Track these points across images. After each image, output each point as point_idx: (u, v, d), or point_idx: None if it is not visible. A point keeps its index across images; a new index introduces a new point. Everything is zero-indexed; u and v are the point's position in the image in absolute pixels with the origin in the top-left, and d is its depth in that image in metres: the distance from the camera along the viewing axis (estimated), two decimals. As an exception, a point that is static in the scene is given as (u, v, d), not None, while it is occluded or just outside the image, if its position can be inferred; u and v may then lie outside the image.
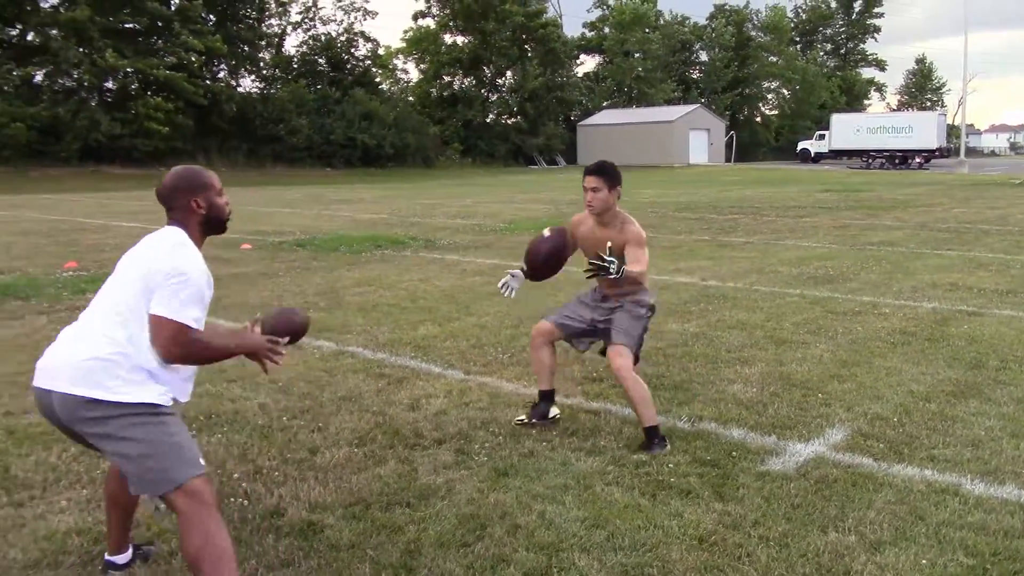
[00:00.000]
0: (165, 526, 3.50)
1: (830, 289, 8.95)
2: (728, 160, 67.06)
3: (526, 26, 65.48)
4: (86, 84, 44.51)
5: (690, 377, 5.63)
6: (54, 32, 43.28)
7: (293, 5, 57.47)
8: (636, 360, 4.52)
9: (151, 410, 2.74)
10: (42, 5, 45.13)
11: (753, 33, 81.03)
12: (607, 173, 4.43)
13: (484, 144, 63.78)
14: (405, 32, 68.73)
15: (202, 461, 2.81)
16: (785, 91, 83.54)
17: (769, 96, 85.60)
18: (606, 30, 77.05)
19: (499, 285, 4.81)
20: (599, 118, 69.22)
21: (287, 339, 3.20)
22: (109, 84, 45.50)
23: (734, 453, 4.24)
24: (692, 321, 7.38)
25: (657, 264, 10.89)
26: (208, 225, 3.03)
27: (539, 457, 4.23)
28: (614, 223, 4.48)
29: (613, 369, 4.40)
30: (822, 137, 61.37)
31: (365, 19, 78.16)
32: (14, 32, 45.95)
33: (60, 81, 44.73)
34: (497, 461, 4.17)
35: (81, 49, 42.92)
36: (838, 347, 6.42)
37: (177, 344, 2.74)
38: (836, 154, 58.64)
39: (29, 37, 45.53)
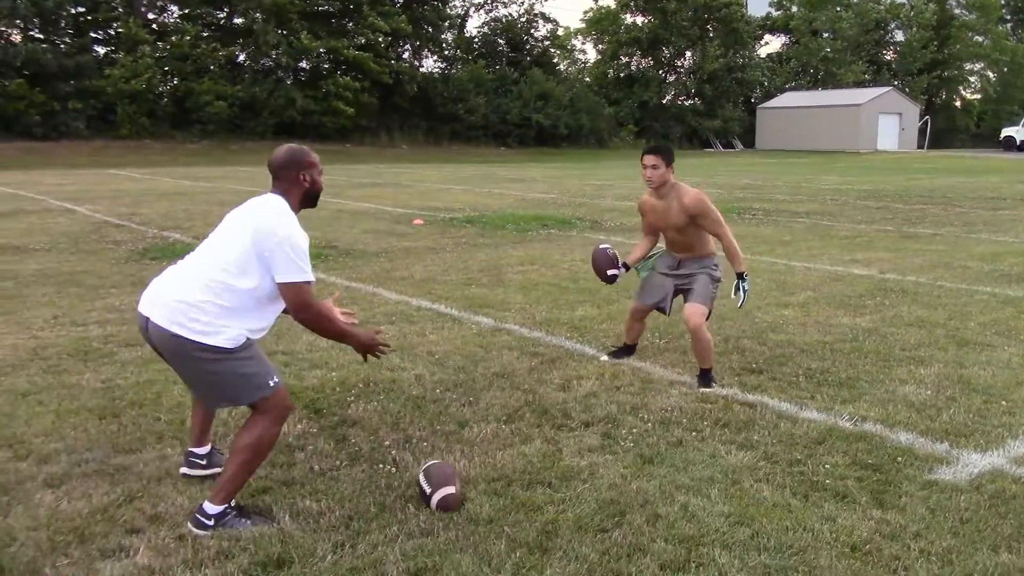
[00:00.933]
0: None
1: (1026, 289, 8.22)
2: (921, 147, 62.93)
3: (708, 5, 63.77)
4: (283, 64, 47.13)
5: (857, 374, 5.32)
6: (257, 15, 46.05)
7: (477, -14, 58.55)
8: (708, 315, 5.19)
9: (225, 353, 3.17)
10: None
11: (957, 11, 75.21)
12: (663, 152, 5.13)
13: (659, 126, 62.79)
14: (585, 12, 68.70)
15: (271, 381, 3.26)
16: (991, 73, 77.28)
17: (972, 79, 79.50)
18: (794, 8, 73.87)
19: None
20: (781, 100, 66.57)
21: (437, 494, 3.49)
22: (303, 64, 47.99)
23: (899, 458, 3.96)
24: (865, 315, 6.97)
25: (831, 254, 10.37)
26: (308, 197, 3.45)
27: (687, 447, 4.11)
28: (670, 195, 5.17)
29: (690, 325, 5.01)
30: (1030, 124, 56.41)
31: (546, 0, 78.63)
32: (221, 15, 49.24)
33: (260, 61, 47.60)
34: (643, 448, 4.09)
35: (280, 31, 45.47)
36: (1030, 352, 5.88)
37: (305, 305, 3.23)
38: (1046, 143, 53.78)
39: (235, 20, 48.69)
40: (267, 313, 3.34)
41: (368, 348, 3.52)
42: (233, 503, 3.29)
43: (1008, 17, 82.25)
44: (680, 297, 5.35)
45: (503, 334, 6.32)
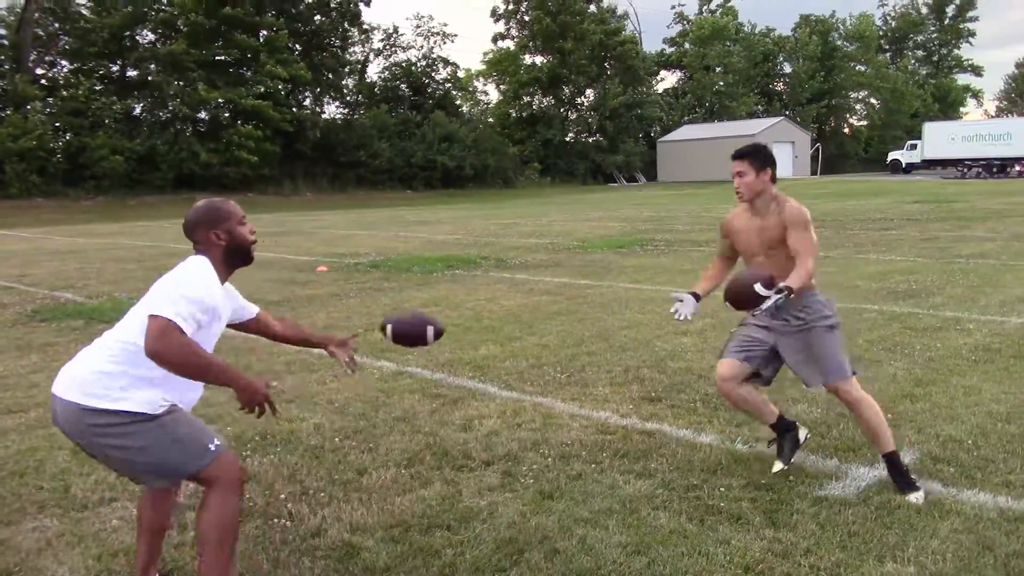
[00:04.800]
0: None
1: (911, 304, 8.58)
2: (814, 173, 65.49)
3: (605, 44, 65.55)
4: (181, 115, 46.31)
5: (752, 397, 5.43)
6: (152, 66, 45.23)
7: (375, 32, 58.86)
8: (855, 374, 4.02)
9: (143, 419, 2.82)
10: (140, 41, 47.33)
11: (840, 43, 79.03)
12: (751, 155, 4.07)
13: (563, 163, 63.90)
14: (485, 54, 69.62)
15: (211, 446, 2.89)
16: (874, 101, 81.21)
17: (857, 106, 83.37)
18: (686, 45, 76.41)
19: (671, 311, 4.15)
20: (679, 134, 68.53)
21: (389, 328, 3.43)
22: (202, 115, 47.24)
23: (791, 477, 4.05)
24: (761, 339, 7.15)
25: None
26: (232, 254, 3.07)
27: (587, 480, 4.12)
28: (768, 208, 4.06)
29: (850, 401, 3.95)
30: (914, 147, 59.25)
31: (444, 43, 79.65)
32: (115, 68, 48.21)
33: (158, 113, 46.67)
34: (543, 483, 4.09)
35: (178, 82, 44.73)
36: (914, 365, 6.13)
37: (160, 339, 2.69)
38: (929, 164, 56.55)
39: (129, 73, 47.73)
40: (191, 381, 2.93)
41: (253, 398, 2.87)
42: None
43: (887, 47, 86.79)
44: (791, 360, 4.09)
45: (405, 377, 6.26)
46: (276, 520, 3.78)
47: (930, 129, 57.60)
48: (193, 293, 2.84)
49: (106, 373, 2.83)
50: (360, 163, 51.52)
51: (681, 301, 4.09)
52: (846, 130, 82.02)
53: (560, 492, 3.98)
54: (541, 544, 3.43)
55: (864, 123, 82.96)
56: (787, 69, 79.36)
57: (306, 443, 4.83)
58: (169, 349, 2.71)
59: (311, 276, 12.79)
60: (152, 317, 2.74)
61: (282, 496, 4.06)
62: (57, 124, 42.44)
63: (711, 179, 59.51)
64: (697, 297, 4.14)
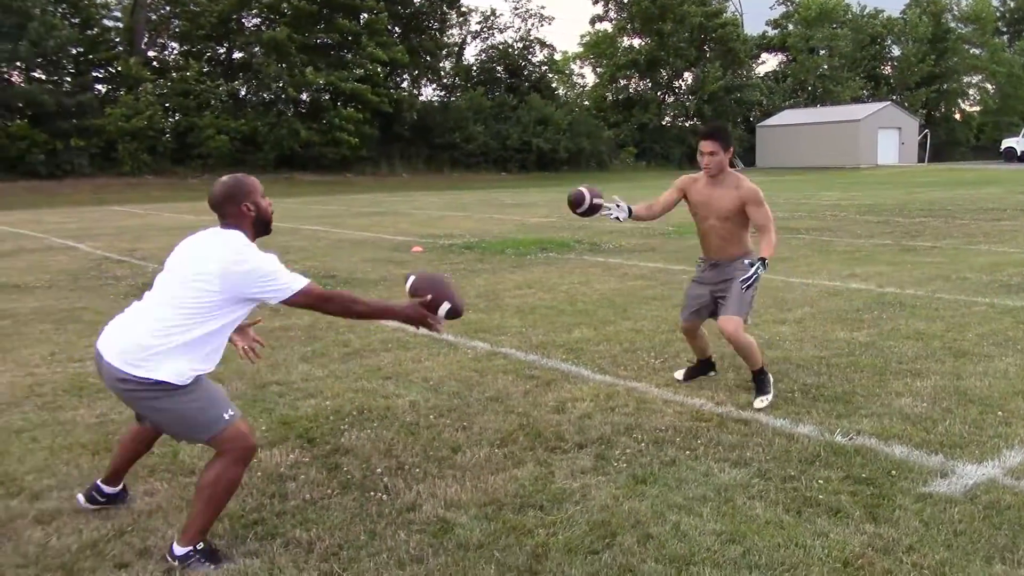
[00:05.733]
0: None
1: (1025, 298, 8.20)
2: (921, 160, 62.99)
3: (705, 26, 64.29)
4: (284, 97, 47.54)
5: (853, 388, 5.29)
6: (257, 50, 46.52)
7: (473, 15, 59.14)
8: (745, 320, 5.07)
9: (171, 388, 3.14)
10: (246, 24, 48.73)
11: (953, 24, 75.54)
12: (721, 136, 4.95)
13: (659, 147, 63.12)
14: (582, 37, 69.19)
15: (225, 415, 3.21)
16: (989, 86, 77.47)
17: (970, 91, 79.67)
18: (790, 27, 74.31)
19: (605, 211, 5.19)
20: (780, 118, 66.81)
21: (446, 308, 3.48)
22: (304, 96, 48.39)
23: (894, 472, 3.93)
24: (863, 330, 6.95)
25: (831, 269, 10.36)
26: (258, 225, 3.35)
27: (680, 466, 4.09)
28: (728, 182, 5.02)
29: (726, 335, 4.99)
30: (1031, 134, 56.42)
31: (542, 25, 79.46)
32: (221, 50, 49.79)
33: (262, 95, 48.02)
34: (636, 468, 4.07)
35: (281, 65, 45.90)
36: (1027, 361, 5.85)
37: (317, 297, 3.23)
38: (1046, 152, 53.75)
39: (235, 55, 49.22)
40: (216, 348, 3.28)
41: (422, 319, 3.39)
42: (202, 545, 3.23)
43: (1004, 29, 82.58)
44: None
45: (499, 358, 6.31)
46: (373, 493, 3.87)
47: (1049, 115, 54.66)
48: (273, 267, 3.17)
49: (143, 345, 3.12)
50: (455, 145, 51.98)
51: (619, 207, 5.18)
52: (957, 116, 78.52)
53: (653, 477, 3.95)
54: (634, 528, 3.42)
55: (977, 109, 79.26)
56: (895, 52, 76.34)
57: (402, 419, 4.93)
58: (330, 302, 3.32)
59: (407, 256, 13.00)
60: (290, 301, 3.18)
61: (378, 470, 4.15)
62: (167, 105, 44.11)
63: (812, 165, 57.93)
64: (630, 212, 5.24)
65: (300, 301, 3.21)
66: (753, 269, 4.74)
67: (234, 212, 3.28)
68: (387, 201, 30.10)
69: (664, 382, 5.59)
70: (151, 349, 3.11)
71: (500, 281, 10.11)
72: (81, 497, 3.77)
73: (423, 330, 3.47)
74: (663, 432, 4.57)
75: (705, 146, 4.93)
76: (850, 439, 4.39)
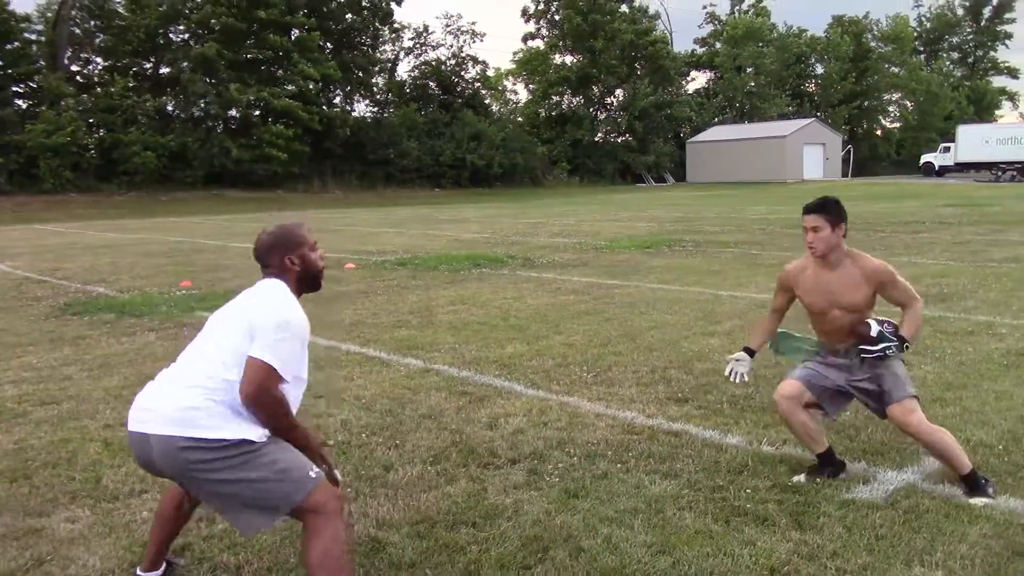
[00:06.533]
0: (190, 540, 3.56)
1: (943, 308, 8.48)
2: (845, 175, 64.84)
3: (635, 44, 65.32)
4: (212, 113, 46.79)
5: (780, 399, 5.40)
6: (185, 65, 45.71)
7: (406, 31, 59.08)
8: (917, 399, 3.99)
9: (250, 447, 2.76)
10: (174, 39, 47.90)
11: (873, 44, 78.10)
12: (828, 210, 3.94)
13: (592, 162, 63.82)
14: (515, 53, 69.71)
15: (312, 473, 2.83)
16: (908, 103, 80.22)
17: (890, 108, 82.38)
18: (717, 45, 75.95)
19: (726, 373, 4.28)
20: (709, 134, 68.15)
21: None
22: (233, 113, 47.69)
23: (818, 480, 4.03)
24: (789, 341, 7.10)
25: (758, 282, 10.58)
26: (304, 281, 3.09)
27: (612, 479, 4.12)
28: (843, 263, 4.00)
29: (911, 430, 3.87)
30: (947, 150, 58.53)
31: (474, 41, 79.78)
32: (148, 65, 48.81)
33: (190, 111, 47.17)
34: (568, 482, 4.09)
35: (209, 80, 45.18)
36: (944, 369, 6.06)
37: (261, 387, 2.74)
38: (962, 167, 55.84)
39: (162, 71, 48.29)
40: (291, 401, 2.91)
41: (322, 462, 2.94)
42: None
43: (921, 49, 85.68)
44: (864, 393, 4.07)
45: (432, 375, 6.29)
46: (303, 514, 3.81)
47: (964, 132, 56.90)
48: (299, 339, 2.89)
49: (204, 409, 2.74)
50: (389, 161, 51.80)
51: (737, 360, 4.20)
52: (878, 132, 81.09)
53: (585, 491, 3.98)
54: (566, 542, 3.44)
55: (897, 125, 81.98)
56: (819, 70, 78.59)
57: (333, 438, 4.87)
58: (264, 399, 2.76)
59: (339, 273, 12.87)
60: (252, 361, 2.76)
61: (309, 490, 4.09)
62: (91, 120, 43.02)
63: (741, 180, 59.14)
64: (751, 352, 4.24)
65: (251, 374, 2.75)
66: (882, 348, 3.86)
67: (278, 264, 3.04)
68: (320, 218, 29.80)
69: (596, 396, 5.64)
70: (212, 412, 2.74)
71: (433, 297, 10.08)
72: None
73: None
74: (595, 446, 4.61)
75: (807, 221, 3.97)
76: (777, 448, 4.49)
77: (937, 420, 4.84)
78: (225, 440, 2.71)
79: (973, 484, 3.81)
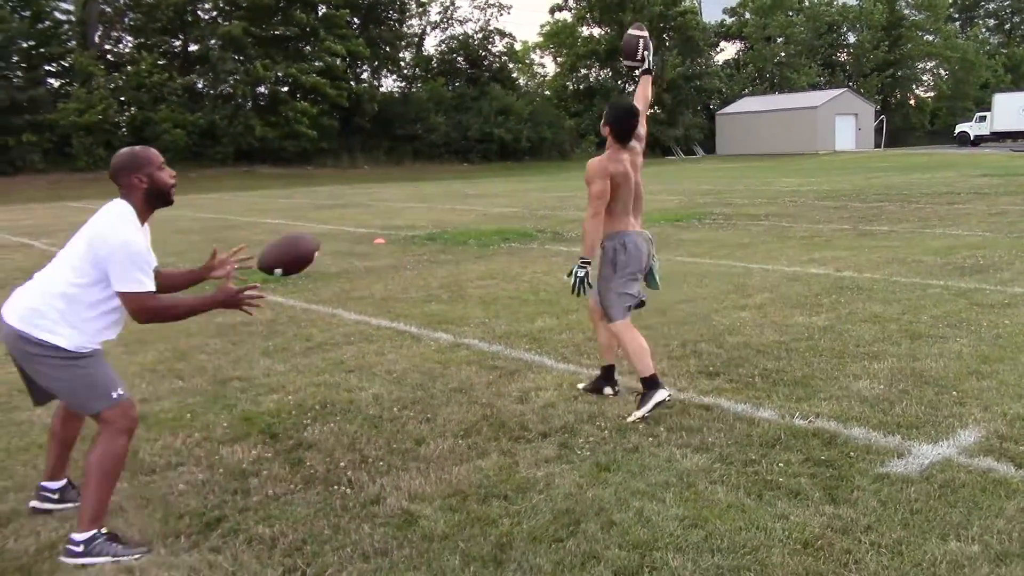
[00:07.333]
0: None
1: (978, 280, 8.35)
2: (878, 146, 63.90)
3: (664, 15, 64.51)
4: (240, 91, 46.97)
5: (812, 372, 5.36)
6: (213, 43, 45.89)
7: (432, 5, 58.82)
8: (638, 305, 4.96)
9: (68, 356, 3.25)
10: (202, 17, 48.05)
11: (907, 11, 76.51)
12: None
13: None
14: (542, 26, 69.13)
15: (114, 394, 3.31)
16: (942, 71, 78.68)
17: (924, 77, 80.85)
18: (747, 15, 74.84)
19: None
20: (739, 106, 67.35)
21: (280, 271, 3.75)
22: (261, 90, 47.87)
23: (852, 453, 4.00)
24: (821, 314, 7.04)
25: (789, 255, 10.48)
26: (152, 196, 3.44)
27: (643, 453, 4.12)
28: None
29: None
30: (983, 119, 57.39)
31: (501, 15, 79.22)
32: (177, 44, 49.04)
33: (219, 88, 47.40)
34: (600, 456, 4.10)
35: (237, 58, 45.33)
36: (980, 342, 5.97)
37: (146, 310, 3.29)
38: (998, 136, 54.77)
39: (191, 48, 48.52)
40: (110, 322, 3.36)
41: (234, 302, 3.46)
42: (104, 529, 3.29)
43: (956, 16, 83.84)
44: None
45: (462, 349, 6.30)
46: (336, 487, 3.85)
47: (1000, 100, 55.76)
48: (138, 251, 3.27)
49: (40, 312, 3.24)
50: (417, 136, 51.82)
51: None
52: (912, 102, 79.67)
53: (617, 464, 3.98)
54: (598, 515, 3.45)
55: (931, 95, 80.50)
56: (851, 39, 77.20)
57: (365, 412, 4.90)
58: (156, 315, 3.36)
59: (369, 248, 12.93)
60: (125, 295, 3.25)
61: (342, 464, 4.13)
62: (122, 98, 43.38)
63: (772, 152, 58.51)
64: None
65: (128, 305, 3.28)
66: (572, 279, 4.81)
67: (126, 183, 3.38)
68: (348, 193, 29.91)
69: (626, 370, 5.62)
70: (44, 313, 3.22)
71: (463, 272, 10.10)
72: (33, 502, 3.72)
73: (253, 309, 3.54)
74: (626, 419, 4.60)
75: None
76: (809, 422, 4.46)
77: (971, 394, 4.81)
78: (44, 342, 3.22)
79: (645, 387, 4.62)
